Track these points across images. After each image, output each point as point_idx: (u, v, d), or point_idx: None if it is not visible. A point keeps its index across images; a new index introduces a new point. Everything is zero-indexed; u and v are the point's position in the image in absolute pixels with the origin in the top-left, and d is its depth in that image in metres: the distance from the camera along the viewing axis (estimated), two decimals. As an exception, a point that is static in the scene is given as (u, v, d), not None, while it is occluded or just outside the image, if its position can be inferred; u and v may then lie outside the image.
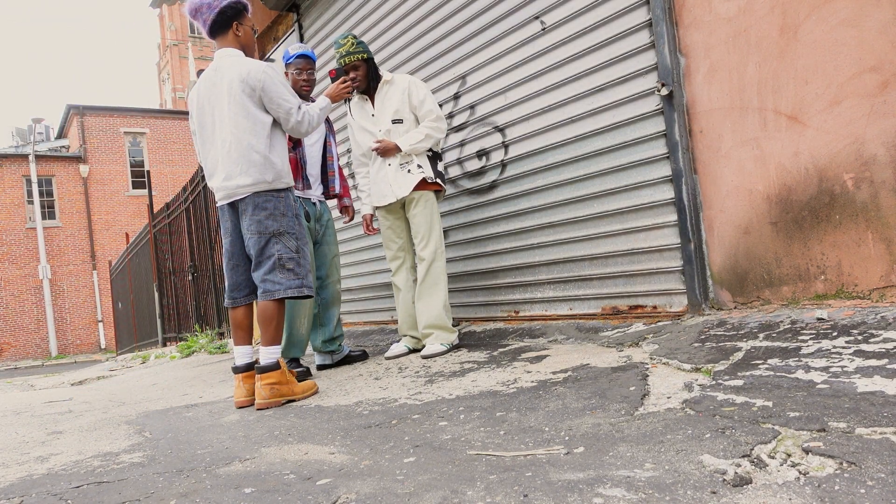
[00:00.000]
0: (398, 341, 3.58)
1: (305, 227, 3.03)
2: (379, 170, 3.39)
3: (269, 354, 2.69)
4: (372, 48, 4.65)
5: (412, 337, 3.49)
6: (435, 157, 3.40)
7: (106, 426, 2.69)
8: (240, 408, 2.71)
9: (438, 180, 3.36)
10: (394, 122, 3.34)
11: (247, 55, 2.81)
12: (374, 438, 1.84)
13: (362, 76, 3.36)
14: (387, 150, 3.30)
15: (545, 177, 3.34)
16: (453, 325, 3.48)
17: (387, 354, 3.49)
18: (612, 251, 3.04)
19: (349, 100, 3.53)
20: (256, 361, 2.77)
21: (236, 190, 2.71)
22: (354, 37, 3.37)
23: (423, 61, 4.09)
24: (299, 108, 2.77)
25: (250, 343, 2.88)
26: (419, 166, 3.30)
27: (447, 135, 3.90)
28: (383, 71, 3.44)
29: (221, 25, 2.77)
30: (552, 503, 1.17)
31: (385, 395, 2.53)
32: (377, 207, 3.49)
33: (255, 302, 2.86)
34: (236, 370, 2.78)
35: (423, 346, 3.33)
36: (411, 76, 3.42)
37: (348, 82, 3.10)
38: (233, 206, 2.79)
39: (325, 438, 1.93)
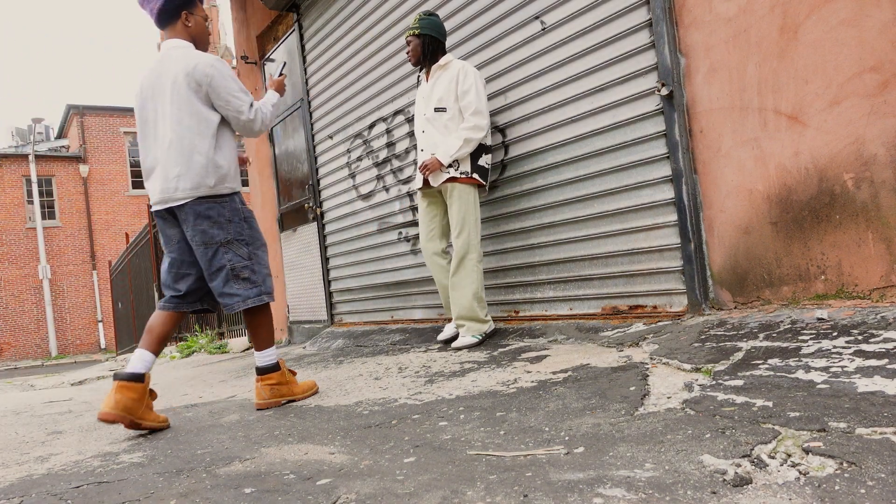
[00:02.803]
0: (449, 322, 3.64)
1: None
2: (418, 155, 3.48)
3: (265, 357, 2.64)
4: (372, 48, 4.66)
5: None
6: (479, 150, 3.35)
7: (106, 426, 2.68)
8: (102, 420, 2.28)
9: (475, 175, 3.32)
10: (436, 109, 3.36)
11: (197, 48, 2.63)
12: (374, 438, 1.84)
13: (411, 50, 3.46)
14: (434, 170, 3.29)
15: (545, 177, 3.34)
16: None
17: (438, 337, 3.66)
18: (613, 251, 3.04)
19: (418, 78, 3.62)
20: (143, 377, 2.40)
21: (174, 194, 2.48)
22: (426, 13, 3.45)
23: (423, 61, 4.09)
24: (251, 105, 2.60)
25: (157, 353, 2.48)
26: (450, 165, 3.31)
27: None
28: (449, 55, 3.44)
29: (170, 15, 2.58)
30: (552, 503, 1.17)
31: (385, 395, 2.53)
32: (421, 188, 3.53)
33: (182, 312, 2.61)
34: (117, 376, 2.35)
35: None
36: (466, 63, 3.37)
37: (283, 75, 3.00)
38: (172, 211, 2.54)
39: (325, 438, 1.93)
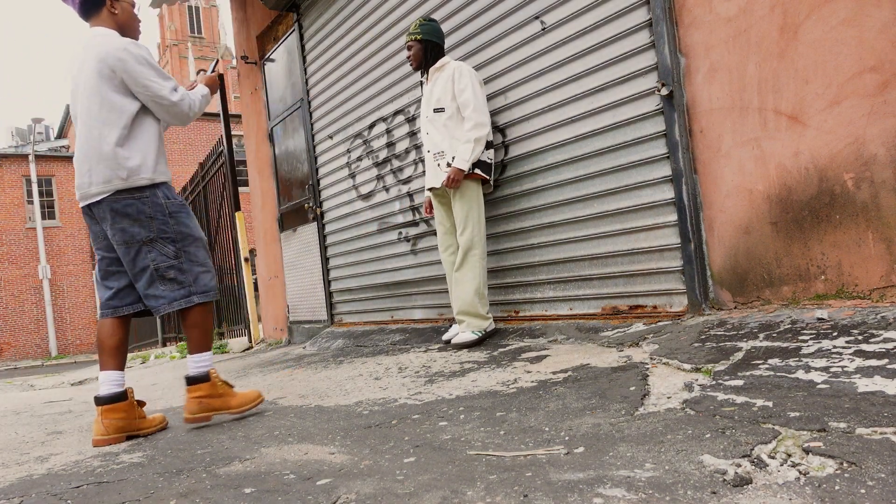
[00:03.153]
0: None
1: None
2: (425, 156, 3.52)
3: (196, 364, 2.40)
4: (372, 48, 4.66)
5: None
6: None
7: (106, 426, 2.68)
8: (97, 447, 2.24)
9: (478, 170, 3.33)
10: (435, 110, 3.40)
11: (126, 36, 2.44)
12: (374, 438, 1.84)
13: (412, 55, 3.51)
14: (459, 180, 3.27)
15: (545, 177, 3.34)
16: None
17: (444, 337, 3.63)
18: (613, 251, 3.04)
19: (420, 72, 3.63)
20: (125, 395, 2.35)
21: (89, 189, 2.33)
22: (424, 19, 3.50)
23: (423, 61, 4.09)
24: (175, 88, 2.40)
25: (120, 368, 2.37)
26: (448, 164, 3.33)
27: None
28: (446, 57, 3.49)
29: (93, 4, 2.40)
30: (552, 503, 1.17)
31: (385, 395, 2.53)
32: (429, 189, 3.55)
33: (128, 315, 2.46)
34: (98, 401, 2.30)
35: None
36: (462, 63, 3.41)
37: (215, 73, 2.87)
38: (91, 208, 2.38)
39: (325, 438, 1.93)
